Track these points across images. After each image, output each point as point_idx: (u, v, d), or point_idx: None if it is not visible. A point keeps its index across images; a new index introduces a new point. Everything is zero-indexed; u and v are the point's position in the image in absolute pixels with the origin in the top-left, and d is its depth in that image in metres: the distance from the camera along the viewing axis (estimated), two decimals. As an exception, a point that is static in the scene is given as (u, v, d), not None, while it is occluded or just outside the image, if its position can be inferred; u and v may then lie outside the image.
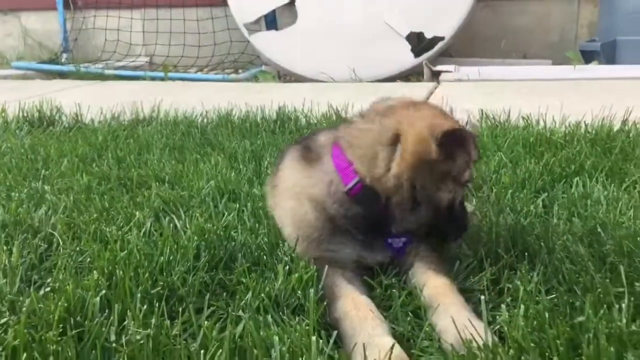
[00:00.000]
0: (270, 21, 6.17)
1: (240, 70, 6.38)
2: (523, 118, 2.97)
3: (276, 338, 1.21)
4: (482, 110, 3.14)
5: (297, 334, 1.24)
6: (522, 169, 2.27)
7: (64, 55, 6.94)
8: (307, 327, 1.27)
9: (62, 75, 6.21)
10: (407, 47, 5.56)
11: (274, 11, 6.12)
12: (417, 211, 1.53)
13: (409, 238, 1.58)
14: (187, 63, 6.57)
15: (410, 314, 1.42)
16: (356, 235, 1.57)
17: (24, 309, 1.33)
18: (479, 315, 1.34)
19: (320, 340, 1.24)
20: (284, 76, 6.07)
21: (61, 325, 1.27)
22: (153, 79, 5.90)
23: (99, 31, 6.97)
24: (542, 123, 2.88)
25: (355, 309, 1.34)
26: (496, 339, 1.25)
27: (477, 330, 1.26)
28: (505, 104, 3.21)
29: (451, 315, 1.33)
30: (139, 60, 6.77)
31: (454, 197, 1.55)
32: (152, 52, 6.82)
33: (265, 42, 5.93)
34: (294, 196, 1.66)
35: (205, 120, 3.34)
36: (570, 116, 2.92)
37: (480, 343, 1.22)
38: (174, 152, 2.73)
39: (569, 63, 5.53)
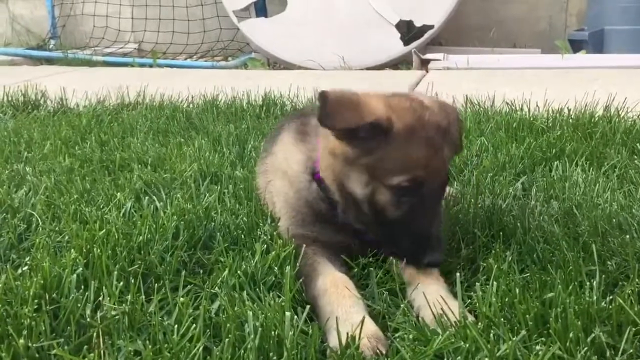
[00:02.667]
0: (260, 8, 6.14)
1: (229, 58, 6.35)
2: (507, 104, 2.98)
3: (250, 313, 1.22)
4: (466, 96, 3.15)
5: (271, 309, 1.26)
6: (503, 153, 2.29)
7: (52, 42, 6.89)
8: (282, 304, 1.29)
9: (50, 61, 6.16)
10: (397, 35, 5.55)
11: (263, -2, 6.10)
12: (350, 206, 1.51)
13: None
14: (176, 50, 6.53)
15: (385, 292, 1.43)
16: (335, 220, 1.58)
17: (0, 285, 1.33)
18: (456, 294, 1.36)
19: (295, 317, 1.26)
20: (274, 64, 6.05)
21: (36, 302, 1.28)
22: (141, 65, 5.87)
23: (87, 17, 6.91)
24: (525, 109, 2.90)
25: (334, 286, 1.36)
26: (470, 316, 1.27)
27: (450, 308, 1.29)
28: (492, 91, 3.22)
29: (429, 293, 1.36)
30: (128, 46, 6.72)
31: (372, 194, 1.44)
32: (141, 38, 6.77)
33: (255, 30, 5.90)
34: (280, 173, 1.67)
35: (191, 105, 3.34)
36: (554, 102, 2.94)
37: (453, 320, 1.24)
38: (158, 135, 2.73)
39: (557, 52, 5.54)
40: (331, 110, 1.38)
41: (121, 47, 6.66)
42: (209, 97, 3.42)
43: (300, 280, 1.40)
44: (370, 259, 1.55)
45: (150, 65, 5.84)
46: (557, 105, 2.89)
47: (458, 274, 1.35)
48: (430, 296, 1.35)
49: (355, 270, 1.52)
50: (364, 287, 1.46)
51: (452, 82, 4.14)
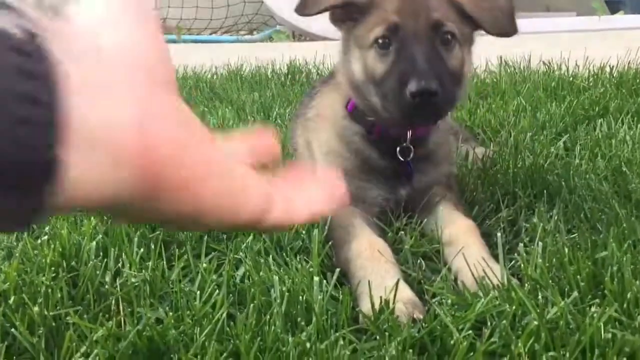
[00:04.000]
0: (284, -20, 6.02)
1: (254, 32, 6.26)
2: (544, 63, 2.83)
3: (276, 278, 1.15)
4: (500, 57, 3.01)
5: (298, 274, 1.18)
6: (543, 113, 2.16)
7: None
8: (310, 269, 1.20)
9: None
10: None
11: (287, -31, 5.96)
12: (364, 98, 1.47)
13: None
14: (200, 25, 6.46)
15: (421, 259, 1.34)
16: (380, 168, 1.50)
17: (17, 253, 1.28)
18: (497, 258, 1.27)
19: (324, 281, 1.17)
20: (299, 36, 5.94)
21: (54, 269, 1.22)
22: (166, 41, 5.80)
23: (110, -4, 6.87)
24: (564, 68, 2.75)
25: (370, 250, 1.27)
26: (513, 279, 1.17)
27: (492, 270, 1.19)
28: (527, 53, 3.07)
29: (469, 255, 1.26)
30: (152, 24, 6.66)
31: (365, 64, 1.42)
32: (165, 15, 6.71)
33: (279, 2, 5.78)
34: (320, 120, 1.61)
35: (214, 76, 3.26)
36: (595, 61, 2.78)
37: (496, 282, 1.15)
38: (181, 106, 2.66)
39: (593, 14, 5.31)
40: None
41: (145, 25, 6.60)
42: (232, 67, 3.34)
43: (330, 243, 1.31)
44: (404, 222, 1.46)
45: (175, 41, 5.78)
46: (597, 64, 2.74)
47: (499, 234, 1.25)
48: (470, 258, 1.25)
49: (389, 234, 1.43)
50: (398, 252, 1.37)
51: (483, 47, 3.97)
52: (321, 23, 5.95)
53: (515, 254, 1.26)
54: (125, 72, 0.42)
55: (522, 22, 4.50)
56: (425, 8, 1.38)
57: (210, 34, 6.32)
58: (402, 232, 1.40)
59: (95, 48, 0.41)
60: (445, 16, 1.39)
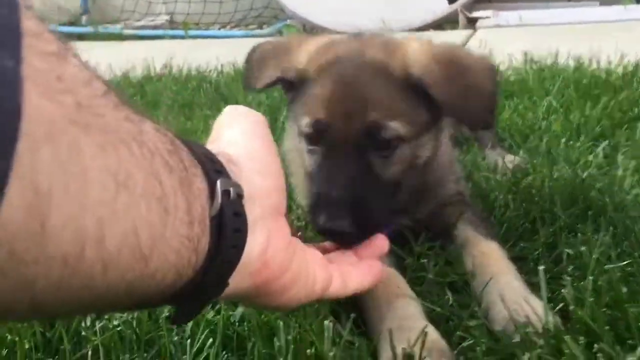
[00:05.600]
0: (294, -28, 5.82)
1: (264, 26, 6.07)
2: (573, 59, 2.62)
3: (280, 323, 0.97)
4: (525, 53, 2.81)
5: (307, 318, 1.00)
6: (576, 115, 1.96)
7: (84, 18, 6.73)
8: (319, 310, 1.03)
9: (81, 37, 6.00)
10: (440, -7, 5.17)
11: (297, -39, 5.76)
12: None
13: None
14: (209, 20, 6.28)
15: (447, 289, 1.16)
16: None
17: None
18: (533, 288, 1.09)
19: (337, 325, 1.00)
20: (310, 29, 5.75)
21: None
22: (173, 37, 5.64)
23: (118, -10, 6.73)
24: (595, 64, 2.54)
25: (384, 283, 1.09)
26: (558, 320, 0.99)
27: (532, 308, 1.01)
28: (551, 48, 2.86)
29: (501, 288, 1.08)
30: (159, 19, 6.49)
31: (299, 148, 1.23)
32: (173, 9, 6.54)
33: (289, -5, 5.60)
34: (294, 161, 1.36)
35: (220, 75, 3.09)
36: (628, 56, 2.57)
37: (539, 326, 0.96)
38: (183, 109, 2.49)
39: (618, 3, 5.06)
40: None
41: (152, 20, 6.46)
42: (239, 65, 3.16)
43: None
44: (427, 247, 1.28)
45: (182, 37, 5.61)
46: (631, 59, 2.53)
47: (542, 267, 1.06)
48: (504, 292, 1.07)
49: (408, 260, 1.25)
50: (420, 283, 1.20)
51: (504, 41, 3.76)
52: (332, 15, 5.75)
53: (556, 290, 1.08)
54: (264, 210, 0.57)
55: (545, 14, 4.29)
56: (360, 105, 1.08)
57: (219, 28, 6.14)
58: (424, 260, 1.23)
59: (254, 192, 0.57)
60: (388, 114, 1.08)
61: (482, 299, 1.11)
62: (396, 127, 1.09)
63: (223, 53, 3.58)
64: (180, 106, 2.52)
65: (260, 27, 6.01)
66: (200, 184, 0.51)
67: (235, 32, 5.86)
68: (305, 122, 1.13)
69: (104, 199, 0.38)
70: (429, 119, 1.14)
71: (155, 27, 6.17)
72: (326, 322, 0.97)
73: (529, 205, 1.39)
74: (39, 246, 0.35)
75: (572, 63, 2.59)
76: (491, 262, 1.17)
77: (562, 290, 1.06)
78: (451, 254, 1.26)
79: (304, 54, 1.18)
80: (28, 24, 0.35)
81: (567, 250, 1.21)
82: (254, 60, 1.27)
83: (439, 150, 1.24)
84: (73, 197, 0.36)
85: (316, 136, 1.12)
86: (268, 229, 0.59)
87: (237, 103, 2.43)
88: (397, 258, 1.23)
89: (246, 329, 1.00)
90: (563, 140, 1.76)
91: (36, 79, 0.34)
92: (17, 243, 0.34)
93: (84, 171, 0.36)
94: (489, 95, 1.12)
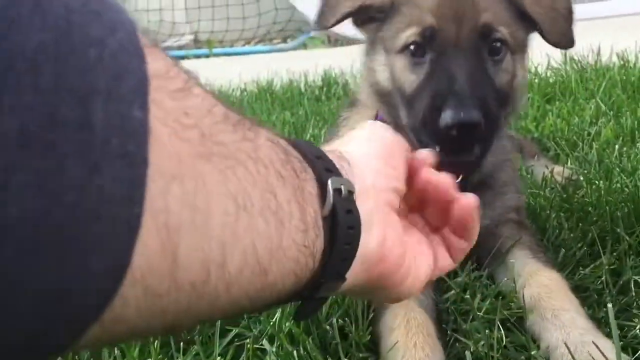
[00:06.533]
0: (316, -17, 5.75)
1: (288, 39, 6.01)
2: (618, 56, 2.45)
3: None
4: (564, 52, 2.64)
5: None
6: (628, 118, 1.79)
7: (109, 42, 6.78)
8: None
9: (107, 62, 6.03)
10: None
11: (319, -28, 5.68)
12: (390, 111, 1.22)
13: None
14: (233, 37, 6.27)
15: (500, 327, 1.01)
16: None
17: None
18: (599, 324, 0.94)
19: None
20: (334, 41, 5.66)
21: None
22: (197, 57, 5.61)
23: (141, 12, 6.74)
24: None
25: (405, 327, 0.96)
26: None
27: (602, 353, 0.86)
28: (591, 44, 2.69)
29: (564, 327, 0.94)
30: (184, 39, 6.50)
31: (391, 71, 1.16)
32: (197, 29, 6.53)
33: (312, 7, 5.51)
34: None
35: (244, 93, 3.00)
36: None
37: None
38: (206, 131, 2.40)
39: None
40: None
41: (177, 40, 6.46)
42: (262, 83, 3.07)
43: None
44: (473, 277, 1.14)
45: (207, 56, 5.58)
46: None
47: (610, 306, 0.90)
48: (567, 332, 0.92)
49: (452, 293, 1.11)
50: (466, 319, 1.05)
51: (539, 38, 3.60)
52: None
53: (625, 326, 0.93)
54: (378, 204, 0.58)
55: (584, 8, 4.04)
56: (471, 7, 1.09)
57: (244, 44, 6.10)
58: (466, 296, 1.08)
59: (368, 188, 0.58)
60: (497, 18, 1.10)
61: (540, 339, 0.96)
62: (504, 32, 1.10)
63: (245, 70, 3.50)
64: (202, 129, 2.44)
65: (285, 41, 5.96)
66: (311, 188, 0.52)
67: (260, 47, 5.81)
68: (410, 32, 1.10)
69: (226, 222, 0.40)
70: (523, 37, 1.17)
71: (179, 48, 6.16)
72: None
73: (586, 224, 1.23)
74: (170, 279, 0.37)
75: (615, 60, 2.41)
76: (552, 295, 1.02)
77: (636, 328, 0.91)
78: (503, 286, 1.10)
79: None
80: (156, 66, 0.36)
81: (635, 277, 1.05)
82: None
83: (522, 81, 1.22)
84: (199, 228, 0.38)
85: (423, 46, 1.10)
86: (385, 222, 0.58)
87: (260, 122, 2.35)
88: (436, 289, 1.09)
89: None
90: (616, 146, 1.60)
91: (166, 120, 0.36)
92: (150, 279, 0.36)
93: (208, 200, 0.38)
94: (568, 11, 1.20)
